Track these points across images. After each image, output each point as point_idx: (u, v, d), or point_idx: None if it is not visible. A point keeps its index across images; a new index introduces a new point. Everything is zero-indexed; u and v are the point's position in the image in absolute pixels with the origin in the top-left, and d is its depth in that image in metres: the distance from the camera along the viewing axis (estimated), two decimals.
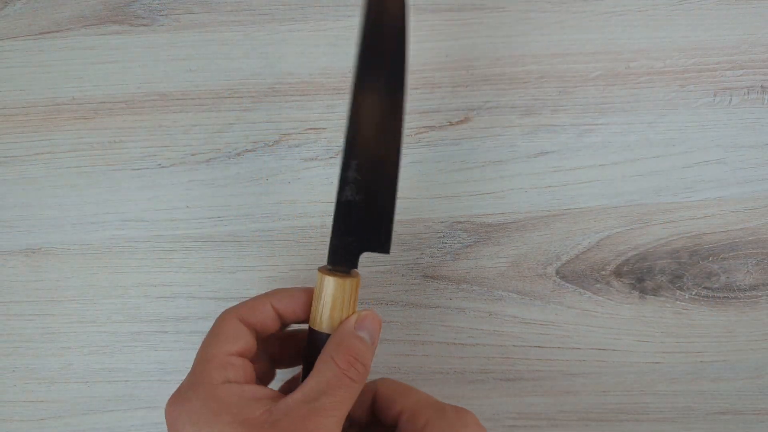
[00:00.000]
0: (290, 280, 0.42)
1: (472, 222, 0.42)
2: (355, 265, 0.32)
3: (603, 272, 0.42)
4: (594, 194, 0.42)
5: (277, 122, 0.42)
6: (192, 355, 0.33)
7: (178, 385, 0.31)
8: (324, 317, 0.32)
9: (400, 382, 0.33)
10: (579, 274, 0.42)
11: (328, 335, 0.31)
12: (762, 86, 0.42)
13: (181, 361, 0.42)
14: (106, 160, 0.42)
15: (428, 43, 0.42)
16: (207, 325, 0.42)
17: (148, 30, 0.42)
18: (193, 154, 0.42)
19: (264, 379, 0.35)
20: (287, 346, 0.36)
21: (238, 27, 0.42)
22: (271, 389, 0.31)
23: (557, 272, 0.42)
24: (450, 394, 0.43)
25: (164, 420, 0.30)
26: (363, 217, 0.32)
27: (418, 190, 0.42)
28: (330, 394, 0.29)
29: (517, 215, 0.42)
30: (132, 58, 0.42)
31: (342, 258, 0.32)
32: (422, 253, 0.42)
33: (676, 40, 0.42)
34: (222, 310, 0.43)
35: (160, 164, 0.42)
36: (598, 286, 0.42)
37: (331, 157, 0.42)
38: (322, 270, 0.32)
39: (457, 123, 0.42)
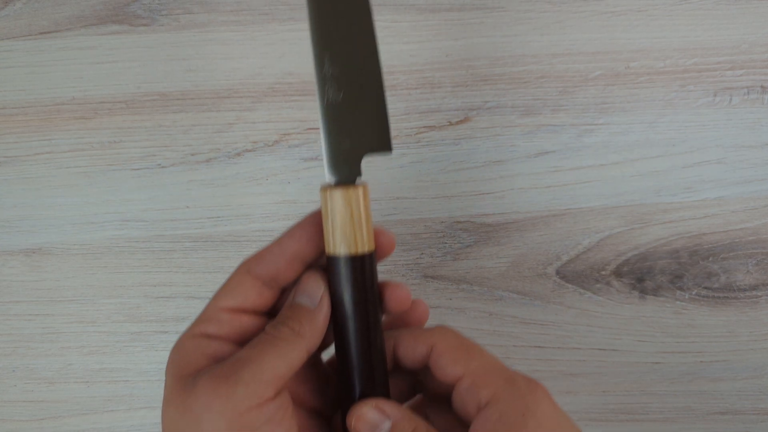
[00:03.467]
0: None
1: (472, 222, 0.42)
2: (359, 173, 0.29)
3: (603, 272, 0.42)
4: (594, 194, 0.42)
5: (277, 122, 0.42)
6: None
7: None
8: (337, 238, 0.28)
9: (464, 337, 0.29)
10: (579, 274, 0.42)
11: (348, 258, 0.28)
12: (762, 86, 0.42)
13: None
14: (106, 160, 0.42)
15: (428, 43, 0.42)
16: None
17: (148, 30, 0.42)
18: (193, 154, 0.42)
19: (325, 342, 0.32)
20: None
21: (238, 27, 0.42)
22: (226, 351, 0.28)
23: (557, 272, 0.42)
24: None
25: None
26: (354, 115, 0.29)
27: (418, 190, 0.42)
28: (253, 348, 0.27)
29: (517, 215, 0.42)
30: (132, 58, 0.42)
31: (341, 168, 0.29)
32: (422, 253, 0.42)
33: (676, 40, 0.42)
34: None
35: (160, 164, 0.42)
36: (598, 286, 0.42)
37: None
38: (324, 187, 0.29)
39: (457, 123, 0.42)
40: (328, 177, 0.29)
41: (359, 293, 0.29)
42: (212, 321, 0.29)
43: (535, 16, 0.42)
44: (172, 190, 0.42)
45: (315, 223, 0.29)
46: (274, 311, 0.30)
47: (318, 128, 0.42)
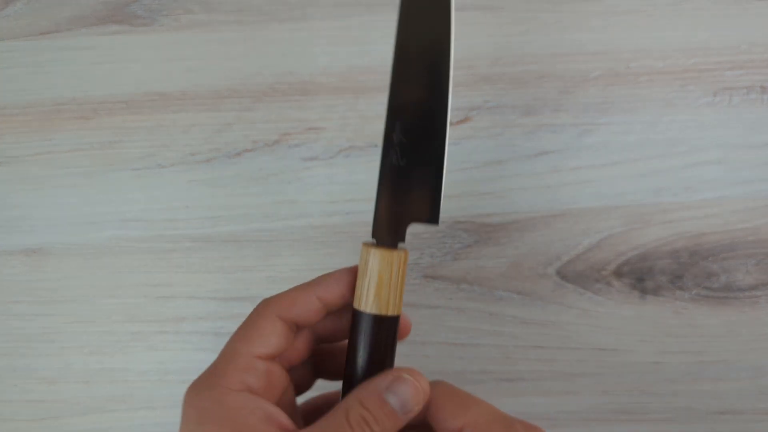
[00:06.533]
0: (290, 280, 0.42)
1: (472, 222, 0.42)
2: (403, 239, 0.30)
3: (603, 272, 0.42)
4: (594, 194, 0.42)
5: (277, 122, 0.42)
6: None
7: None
8: (369, 295, 0.29)
9: (460, 389, 0.29)
10: (579, 274, 0.42)
11: (375, 316, 0.29)
12: (762, 86, 0.42)
13: (180, 361, 0.42)
14: (106, 160, 0.42)
15: None
16: (207, 326, 0.42)
17: (148, 30, 0.42)
18: (192, 154, 0.42)
19: (301, 386, 0.33)
20: (331, 356, 0.33)
21: (238, 27, 0.42)
22: (283, 416, 0.28)
23: (557, 272, 0.42)
24: None
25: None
26: (409, 183, 0.30)
27: None
28: None
29: (517, 215, 0.42)
30: (132, 58, 0.42)
31: (388, 230, 0.30)
32: (422, 253, 0.42)
33: (676, 40, 0.42)
34: (222, 310, 0.43)
35: (159, 164, 0.42)
36: (598, 286, 0.42)
37: (330, 157, 0.42)
38: (366, 244, 0.30)
39: (457, 123, 0.42)
40: (372, 235, 0.30)
41: (379, 354, 0.29)
42: (249, 371, 0.28)
43: (535, 16, 0.42)
44: (172, 190, 0.42)
45: (345, 277, 0.30)
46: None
47: (319, 128, 0.42)
